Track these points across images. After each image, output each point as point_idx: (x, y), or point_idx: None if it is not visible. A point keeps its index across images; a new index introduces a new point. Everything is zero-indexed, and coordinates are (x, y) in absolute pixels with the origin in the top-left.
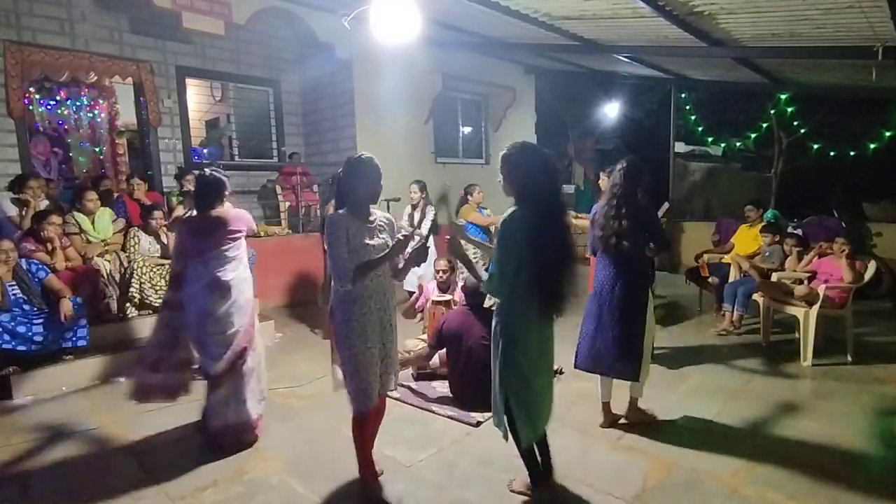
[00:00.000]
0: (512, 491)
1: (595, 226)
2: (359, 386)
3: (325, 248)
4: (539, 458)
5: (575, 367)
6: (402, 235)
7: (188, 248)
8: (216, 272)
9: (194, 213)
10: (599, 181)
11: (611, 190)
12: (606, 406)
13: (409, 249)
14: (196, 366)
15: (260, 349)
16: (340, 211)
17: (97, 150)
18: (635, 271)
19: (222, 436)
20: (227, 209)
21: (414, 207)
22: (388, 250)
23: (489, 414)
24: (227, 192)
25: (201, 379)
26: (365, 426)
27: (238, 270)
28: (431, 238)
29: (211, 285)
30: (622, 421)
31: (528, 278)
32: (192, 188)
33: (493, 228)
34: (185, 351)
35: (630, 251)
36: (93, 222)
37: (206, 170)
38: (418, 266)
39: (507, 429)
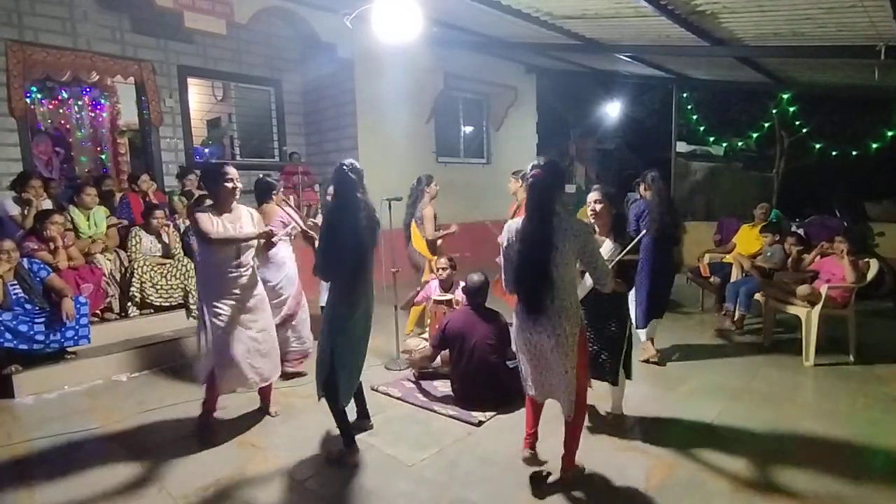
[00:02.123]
0: (330, 459)
1: (648, 218)
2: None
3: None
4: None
5: (643, 324)
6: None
7: None
8: (271, 251)
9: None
10: (640, 189)
11: (659, 194)
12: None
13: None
14: None
15: (305, 313)
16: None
17: (99, 149)
18: (672, 250)
19: (285, 361)
20: (274, 207)
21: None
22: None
23: (491, 413)
24: (275, 193)
25: None
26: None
27: (286, 250)
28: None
29: (265, 260)
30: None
31: (348, 265)
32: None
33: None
34: None
35: (679, 237)
36: (87, 218)
37: (260, 175)
38: None
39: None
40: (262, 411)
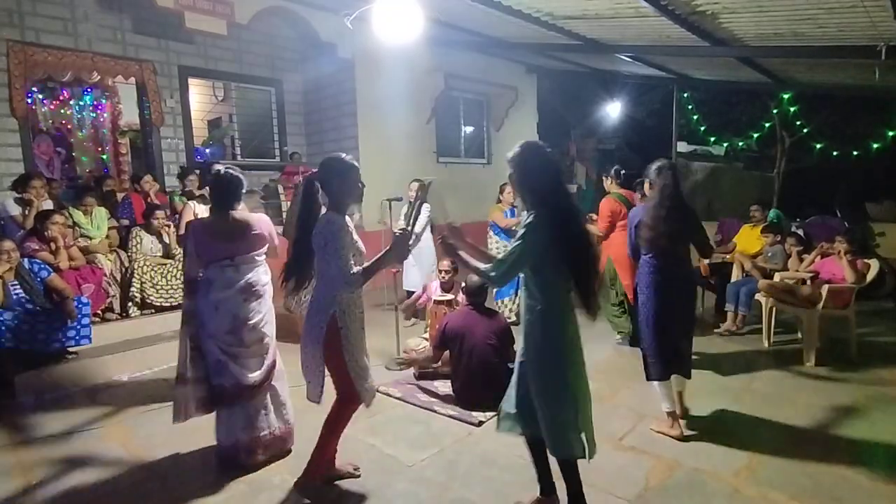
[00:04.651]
0: None
1: (642, 227)
2: (367, 384)
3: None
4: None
5: (653, 378)
6: (399, 231)
7: (208, 251)
8: (249, 277)
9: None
10: (644, 188)
11: (662, 191)
12: (675, 414)
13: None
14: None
15: (281, 364)
16: (329, 212)
17: (100, 149)
18: (689, 272)
19: (254, 449)
20: (246, 212)
21: (411, 206)
22: (388, 250)
23: (491, 414)
24: (244, 191)
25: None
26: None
27: (266, 275)
28: (430, 236)
29: (245, 290)
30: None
31: (564, 285)
32: (208, 189)
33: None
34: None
35: (681, 251)
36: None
37: (221, 168)
38: (400, 264)
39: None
40: None
